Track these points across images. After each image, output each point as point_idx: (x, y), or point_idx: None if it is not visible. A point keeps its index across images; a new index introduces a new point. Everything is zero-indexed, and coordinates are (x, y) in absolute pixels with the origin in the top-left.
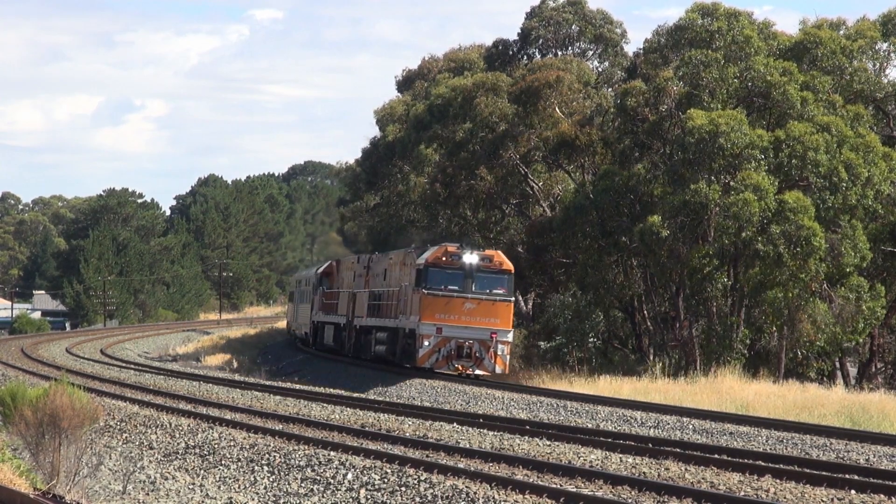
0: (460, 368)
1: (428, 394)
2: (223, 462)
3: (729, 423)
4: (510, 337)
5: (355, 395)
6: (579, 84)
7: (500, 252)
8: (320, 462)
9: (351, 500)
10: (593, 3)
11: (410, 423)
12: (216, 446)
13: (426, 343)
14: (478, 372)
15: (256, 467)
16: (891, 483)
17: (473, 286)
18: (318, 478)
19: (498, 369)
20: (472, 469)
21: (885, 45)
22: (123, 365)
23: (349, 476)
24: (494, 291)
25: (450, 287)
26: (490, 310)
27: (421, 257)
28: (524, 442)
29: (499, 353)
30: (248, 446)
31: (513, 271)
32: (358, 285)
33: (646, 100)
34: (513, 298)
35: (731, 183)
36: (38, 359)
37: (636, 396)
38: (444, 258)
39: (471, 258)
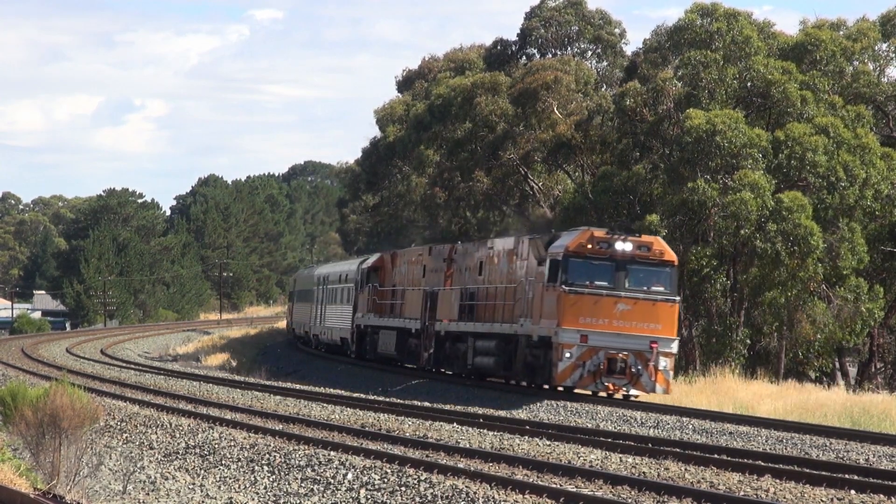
0: (611, 387)
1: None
2: (223, 462)
3: (729, 423)
4: (675, 347)
5: (355, 395)
6: (577, 84)
7: (659, 238)
8: (320, 462)
9: (351, 500)
10: (593, 3)
11: (410, 423)
12: (216, 446)
13: (567, 355)
14: (633, 392)
15: (256, 467)
16: (891, 483)
17: (627, 282)
18: (318, 478)
19: (659, 388)
20: (472, 469)
21: (884, 46)
22: (124, 365)
23: (349, 476)
24: (654, 288)
25: (597, 283)
26: (649, 312)
27: (556, 245)
28: (524, 442)
29: (660, 367)
30: (248, 446)
31: (676, 262)
32: (433, 282)
33: (644, 101)
34: (678, 298)
35: (729, 182)
36: (38, 359)
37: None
38: (589, 246)
39: (624, 245)
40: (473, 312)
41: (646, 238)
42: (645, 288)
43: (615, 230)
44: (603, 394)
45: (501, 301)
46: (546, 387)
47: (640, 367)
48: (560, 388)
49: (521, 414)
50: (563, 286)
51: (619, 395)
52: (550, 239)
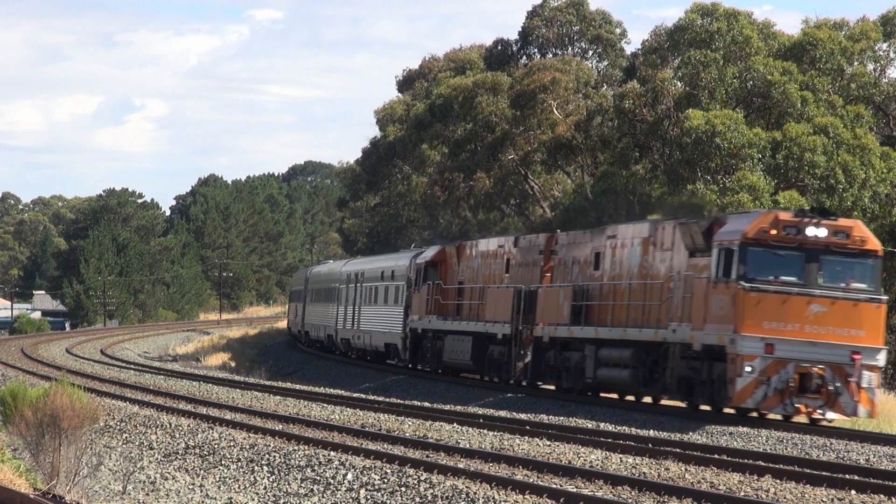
0: (802, 410)
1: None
2: (223, 462)
3: (729, 423)
4: (882, 359)
5: (355, 395)
6: (577, 84)
7: (859, 222)
8: (320, 462)
9: (351, 500)
10: (594, 3)
11: (410, 423)
12: (216, 446)
13: (748, 369)
14: (830, 415)
15: (256, 467)
16: (891, 483)
17: (821, 276)
18: (318, 478)
19: (862, 411)
20: (472, 469)
21: (884, 46)
22: (123, 365)
23: (349, 476)
24: (854, 285)
25: (783, 278)
26: (850, 315)
27: (726, 230)
28: (524, 442)
29: (863, 384)
30: (248, 446)
31: (881, 252)
32: (523, 278)
33: (644, 101)
34: (885, 297)
35: (727, 184)
36: (38, 359)
37: None
38: (773, 231)
39: (817, 231)
40: (591, 315)
41: (843, 221)
42: (843, 284)
43: (805, 212)
44: (775, 416)
45: (639, 301)
46: (707, 407)
47: (838, 385)
48: (731, 410)
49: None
50: (742, 282)
51: (804, 419)
52: (711, 223)
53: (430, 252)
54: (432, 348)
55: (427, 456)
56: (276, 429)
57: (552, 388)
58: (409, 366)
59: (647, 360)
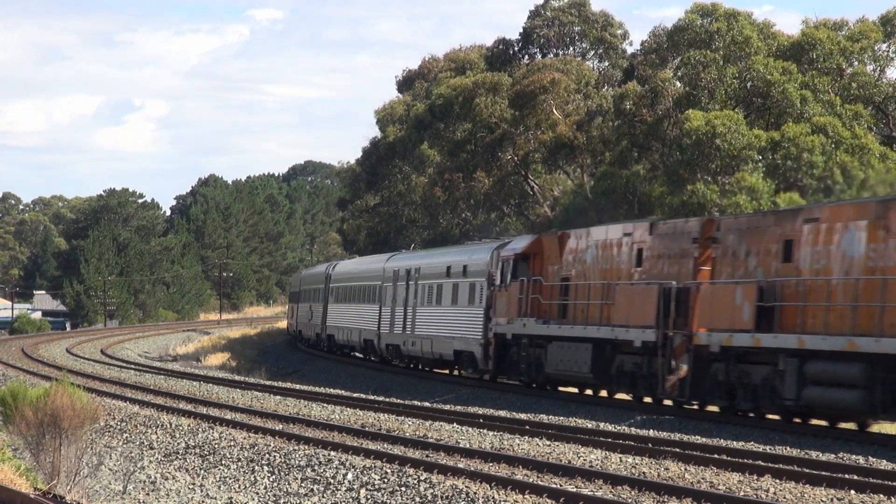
0: None
1: None
2: (223, 462)
3: (729, 423)
4: None
5: (355, 395)
6: (576, 85)
7: None
8: (320, 462)
9: (351, 500)
10: (595, 3)
11: (410, 423)
12: (216, 446)
13: None
14: None
15: (256, 467)
16: (891, 483)
17: None
18: (318, 478)
19: None
20: (472, 469)
21: (884, 46)
22: (124, 365)
23: (349, 476)
24: None
25: None
26: None
27: None
28: (524, 442)
29: None
30: (248, 446)
31: None
32: (663, 272)
33: (643, 101)
34: None
35: (727, 186)
36: (38, 359)
37: None
38: None
39: None
40: (785, 319)
41: None
42: None
43: None
44: None
45: (870, 301)
46: None
47: None
48: None
49: None
50: None
51: None
52: None
53: (520, 243)
54: (528, 357)
55: (427, 456)
56: (277, 429)
57: (695, 407)
58: (486, 377)
59: (885, 378)
